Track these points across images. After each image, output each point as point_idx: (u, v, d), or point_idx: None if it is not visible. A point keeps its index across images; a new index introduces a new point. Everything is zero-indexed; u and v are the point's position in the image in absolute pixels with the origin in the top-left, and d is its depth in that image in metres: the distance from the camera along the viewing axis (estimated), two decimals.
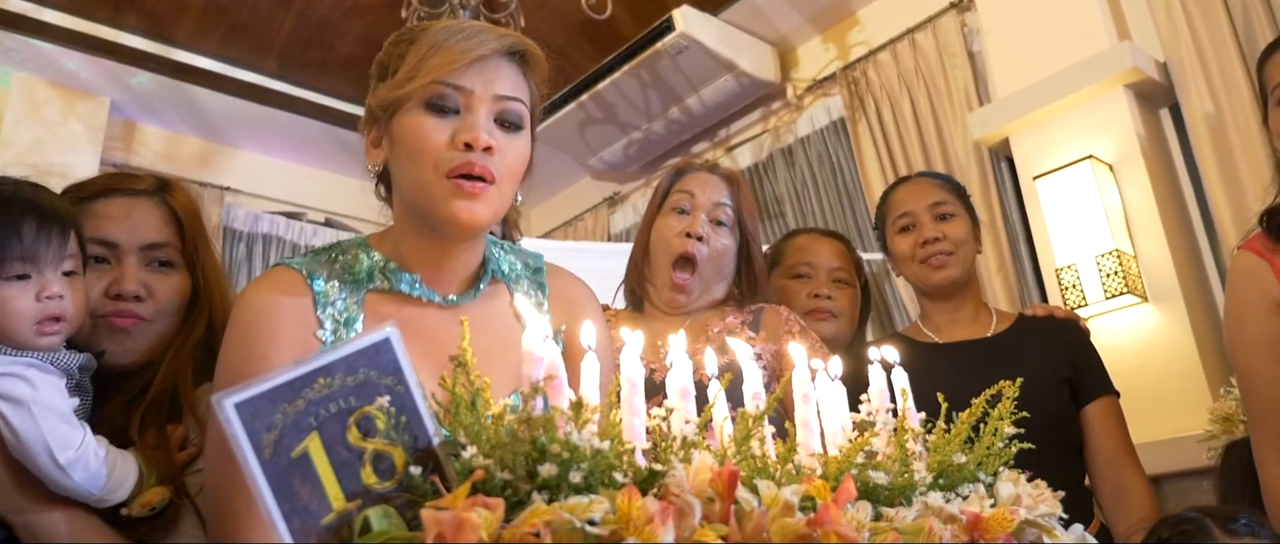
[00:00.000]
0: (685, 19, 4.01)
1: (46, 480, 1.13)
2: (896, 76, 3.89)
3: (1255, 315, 1.59)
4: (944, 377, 1.15)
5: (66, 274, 1.23)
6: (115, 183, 1.42)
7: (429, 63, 1.13)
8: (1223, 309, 1.71)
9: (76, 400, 1.20)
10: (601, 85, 4.37)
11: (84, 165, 4.23)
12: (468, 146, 1.11)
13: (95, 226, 1.34)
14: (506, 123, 1.17)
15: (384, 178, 1.26)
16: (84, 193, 1.39)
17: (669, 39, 4.03)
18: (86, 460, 1.14)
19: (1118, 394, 1.95)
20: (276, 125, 4.88)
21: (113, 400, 1.31)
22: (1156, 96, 3.22)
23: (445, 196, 1.11)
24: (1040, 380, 1.86)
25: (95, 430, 1.25)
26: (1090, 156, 3.05)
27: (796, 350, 0.92)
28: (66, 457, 1.12)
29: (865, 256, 2.57)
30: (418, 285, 1.19)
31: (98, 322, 1.32)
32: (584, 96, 4.44)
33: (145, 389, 1.32)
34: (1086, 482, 1.95)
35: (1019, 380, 0.98)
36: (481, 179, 1.11)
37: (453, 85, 1.13)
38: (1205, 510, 1.38)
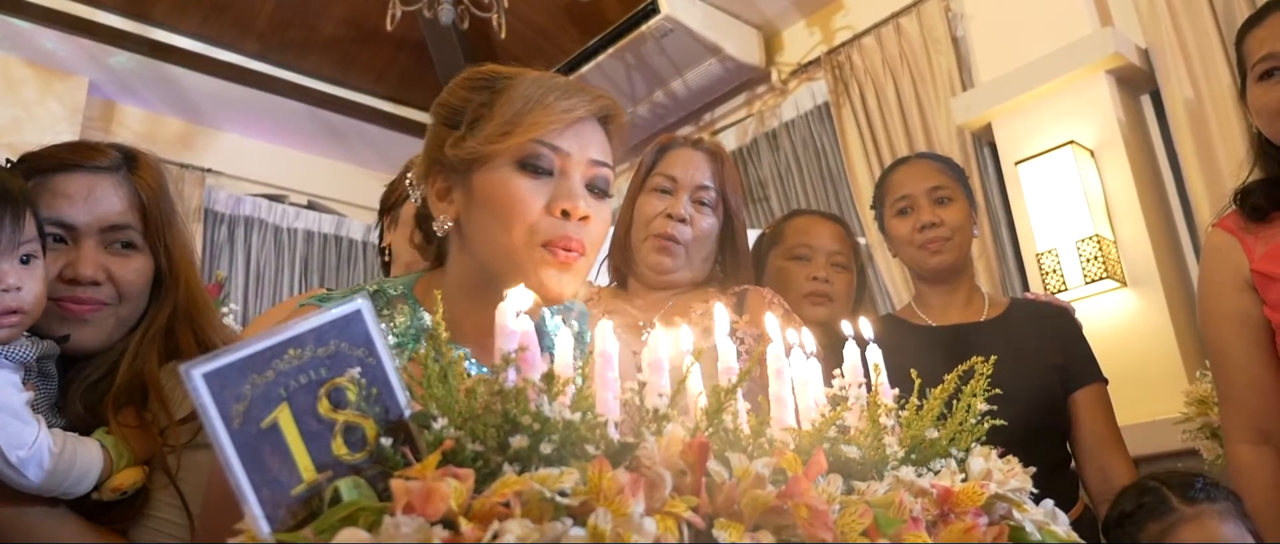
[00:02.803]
0: (670, 2, 3.99)
1: (1, 480, 1.08)
2: (881, 61, 3.90)
3: (1225, 292, 1.61)
4: (936, 359, 1.16)
5: (24, 260, 1.14)
6: (75, 156, 1.30)
7: (526, 120, 1.06)
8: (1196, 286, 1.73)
9: (30, 395, 1.14)
10: (586, 68, 4.36)
11: None
12: (564, 214, 1.05)
13: (52, 205, 1.24)
14: (596, 189, 1.11)
15: (423, 227, 1.18)
16: (40, 165, 1.27)
17: (653, 22, 4.02)
18: (40, 458, 1.08)
19: (1106, 382, 1.97)
20: (258, 106, 4.85)
21: (76, 383, 1.25)
22: (1138, 82, 3.24)
23: (536, 266, 1.04)
24: (1031, 365, 1.88)
25: (61, 413, 1.22)
26: (1072, 142, 3.06)
27: (771, 324, 0.93)
28: (18, 455, 1.06)
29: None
30: (467, 361, 1.09)
31: (51, 306, 1.22)
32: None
33: (110, 371, 1.26)
34: (1073, 466, 1.97)
35: (993, 358, 0.99)
36: (575, 251, 1.05)
37: (550, 146, 1.07)
38: (1161, 479, 1.40)
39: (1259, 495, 1.53)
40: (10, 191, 1.14)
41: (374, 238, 5.36)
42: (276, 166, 5.23)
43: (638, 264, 1.80)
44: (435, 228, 1.13)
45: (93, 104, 4.52)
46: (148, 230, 1.32)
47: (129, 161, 1.34)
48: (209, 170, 4.81)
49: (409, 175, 1.22)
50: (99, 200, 1.27)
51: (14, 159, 1.30)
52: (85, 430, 1.18)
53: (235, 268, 4.86)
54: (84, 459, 1.13)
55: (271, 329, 0.65)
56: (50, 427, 1.13)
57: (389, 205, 2.07)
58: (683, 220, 1.75)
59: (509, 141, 1.05)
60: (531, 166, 1.06)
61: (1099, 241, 2.93)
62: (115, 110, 4.72)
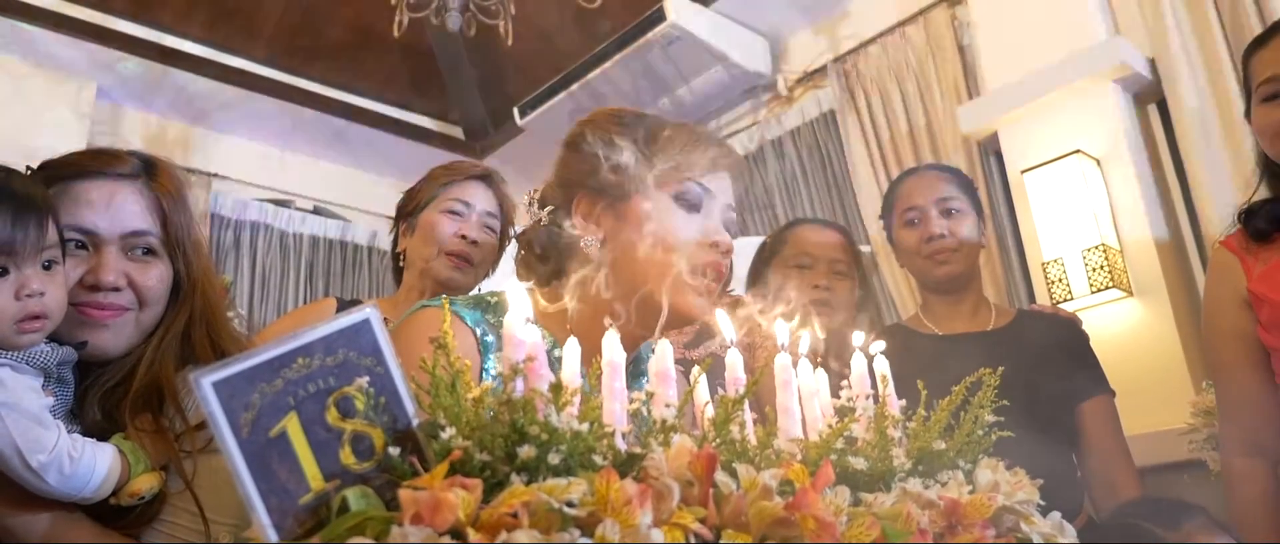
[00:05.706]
0: (676, 9, 3.99)
1: (20, 483, 1.08)
2: (887, 69, 3.90)
3: (1226, 310, 1.66)
4: (943, 367, 1.16)
5: (46, 266, 1.15)
6: (96, 163, 1.31)
7: (688, 160, 1.20)
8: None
9: (51, 401, 1.15)
10: (592, 75, 4.35)
11: (70, 150, 4.17)
12: (713, 247, 1.18)
13: (73, 212, 1.25)
14: (729, 229, 1.24)
15: (534, 245, 1.26)
16: (61, 172, 1.29)
17: (660, 29, 4.02)
18: (60, 463, 1.09)
19: (1113, 393, 1.97)
20: (264, 111, 4.85)
21: (93, 388, 1.26)
22: (1145, 92, 3.23)
23: (687, 288, 1.14)
24: (1037, 375, 1.87)
25: (77, 418, 1.22)
26: (1078, 151, 3.05)
27: (780, 334, 0.93)
28: (38, 460, 1.07)
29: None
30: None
31: (71, 311, 1.22)
32: (574, 86, 4.42)
33: (127, 377, 1.27)
34: (1079, 476, 1.97)
35: (1000, 369, 0.98)
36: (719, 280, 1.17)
37: (703, 186, 1.21)
38: (1132, 514, 1.42)
39: (1249, 503, 1.63)
40: (33, 199, 1.15)
41: (380, 242, 5.39)
42: (282, 172, 5.23)
43: None
44: (583, 245, 1.21)
45: (100, 109, 4.52)
46: (167, 237, 1.33)
47: (149, 169, 1.35)
48: (215, 175, 4.81)
49: (528, 197, 1.30)
50: (120, 207, 1.29)
51: (34, 166, 1.31)
52: (102, 435, 1.19)
53: (241, 273, 4.86)
54: (102, 464, 1.14)
55: (280, 338, 0.66)
56: (67, 432, 1.14)
57: (407, 212, 2.07)
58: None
59: (673, 176, 1.19)
60: (687, 201, 1.20)
61: (1105, 251, 2.92)
62: (123, 115, 4.72)
